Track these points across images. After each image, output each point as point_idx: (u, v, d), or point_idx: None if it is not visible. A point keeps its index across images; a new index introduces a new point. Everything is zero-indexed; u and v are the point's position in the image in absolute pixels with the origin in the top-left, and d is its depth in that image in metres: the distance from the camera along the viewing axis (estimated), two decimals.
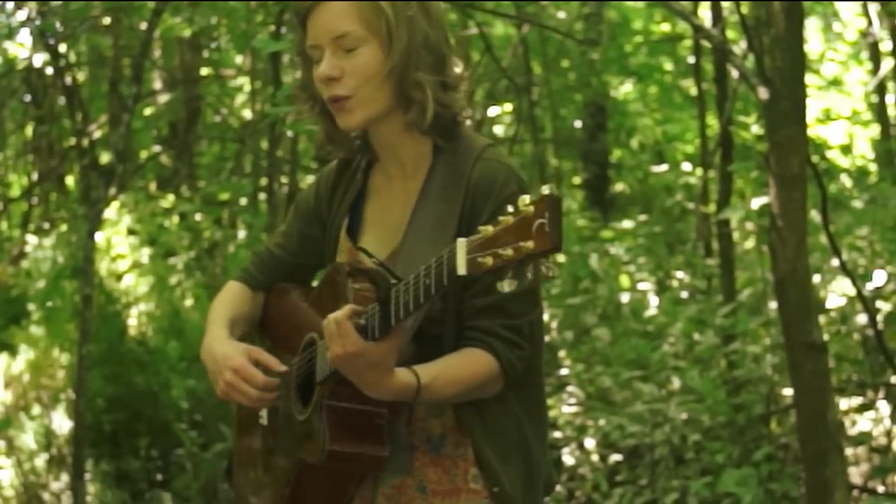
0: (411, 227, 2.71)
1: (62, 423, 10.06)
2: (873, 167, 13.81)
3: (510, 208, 2.13)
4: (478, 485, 2.69)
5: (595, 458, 7.98)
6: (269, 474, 2.85)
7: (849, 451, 7.28)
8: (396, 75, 2.67)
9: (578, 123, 15.16)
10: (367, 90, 2.68)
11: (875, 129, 14.52)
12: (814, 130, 12.14)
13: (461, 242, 2.18)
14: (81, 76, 14.45)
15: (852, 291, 7.23)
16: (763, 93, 5.73)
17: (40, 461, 9.83)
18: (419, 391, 2.53)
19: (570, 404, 8.21)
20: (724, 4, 9.82)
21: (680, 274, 10.06)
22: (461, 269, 2.17)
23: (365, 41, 2.67)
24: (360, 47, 2.67)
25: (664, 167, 13.61)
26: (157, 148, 15.40)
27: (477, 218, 2.56)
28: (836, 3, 13.85)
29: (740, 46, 10.45)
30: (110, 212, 12.10)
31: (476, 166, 2.68)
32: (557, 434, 8.15)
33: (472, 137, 2.78)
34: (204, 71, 15.02)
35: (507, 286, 2.13)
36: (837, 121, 13.37)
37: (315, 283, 3.02)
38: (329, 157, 2.96)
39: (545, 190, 2.09)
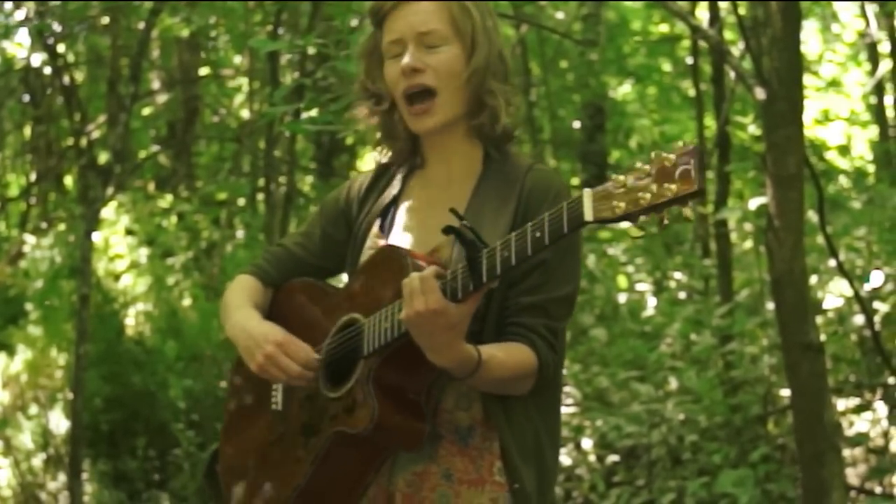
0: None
1: (59, 422, 10.06)
2: (871, 168, 13.81)
3: (639, 163, 2.27)
4: (502, 478, 2.76)
5: (592, 458, 7.98)
6: (284, 457, 2.86)
7: (846, 452, 7.28)
8: (477, 80, 2.82)
9: (577, 124, 15.17)
10: (447, 91, 2.81)
11: (873, 131, 14.52)
12: (812, 131, 12.14)
13: (587, 192, 2.30)
14: (80, 76, 14.45)
15: (850, 292, 7.23)
16: (760, 93, 5.73)
17: (37, 461, 9.83)
18: (479, 364, 2.60)
19: (568, 405, 8.21)
20: (722, 5, 9.81)
21: (677, 274, 10.07)
22: (588, 216, 2.29)
23: (449, 41, 2.81)
24: (444, 46, 2.81)
25: None
26: (155, 148, 15.40)
27: (531, 220, 2.54)
28: (834, 4, 13.84)
29: (738, 47, 10.44)
30: (108, 212, 12.10)
31: (529, 175, 2.82)
32: None
33: (518, 154, 2.93)
34: (202, 71, 15.02)
35: (635, 231, 2.28)
36: (836, 122, 13.38)
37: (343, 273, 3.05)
38: (384, 157, 3.02)
39: (681, 144, 2.22)
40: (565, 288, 2.77)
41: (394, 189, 2.96)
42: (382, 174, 3.02)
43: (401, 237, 2.88)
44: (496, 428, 2.75)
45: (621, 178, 2.27)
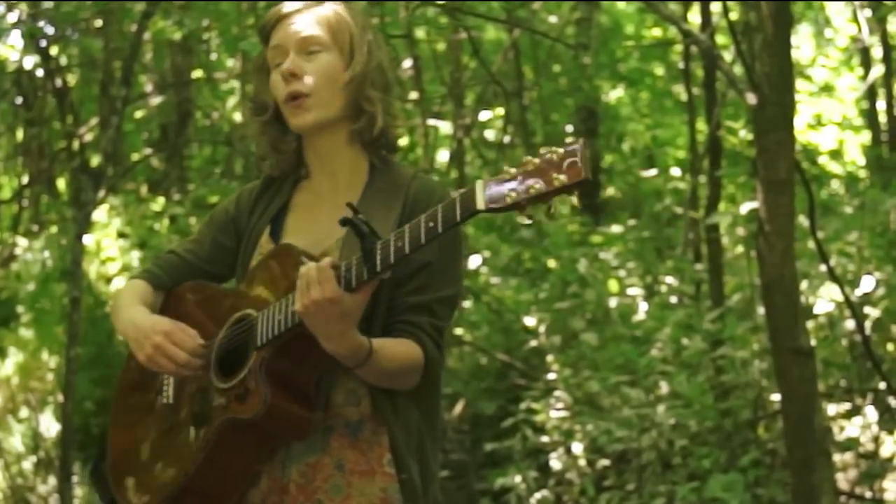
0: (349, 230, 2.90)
1: (50, 425, 10.06)
2: (864, 173, 13.81)
3: (527, 158, 2.45)
4: (391, 469, 2.90)
5: (582, 462, 7.98)
6: (174, 447, 2.96)
7: (836, 457, 7.29)
8: (354, 87, 2.99)
9: (570, 128, 15.14)
10: (324, 93, 2.97)
11: (866, 135, 14.52)
12: (805, 136, 12.14)
13: (479, 182, 2.48)
14: (72, 79, 14.43)
15: (840, 297, 7.23)
16: (751, 98, 5.74)
17: (28, 464, 9.82)
18: (370, 353, 2.75)
19: (558, 409, 8.21)
20: (714, 9, 9.81)
21: (668, 279, 10.05)
22: (480, 205, 2.46)
23: (328, 48, 2.99)
24: (323, 53, 2.99)
25: (654, 172, 13.60)
26: (147, 151, 15.38)
27: None
28: (827, 9, 13.85)
29: (730, 51, 10.44)
30: (100, 214, 12.09)
31: (414, 182, 3.01)
32: (545, 439, 8.15)
33: (402, 166, 3.13)
34: (195, 74, 15.00)
35: (524, 220, 2.46)
36: (828, 126, 13.37)
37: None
38: (269, 169, 3.16)
39: (570, 140, 2.42)
40: (449, 289, 2.95)
41: (281, 198, 3.11)
42: (270, 185, 3.16)
43: (293, 242, 2.98)
44: (384, 422, 2.90)
45: (512, 170, 2.46)
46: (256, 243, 3.06)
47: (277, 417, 2.76)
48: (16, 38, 11.50)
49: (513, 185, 2.44)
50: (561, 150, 2.42)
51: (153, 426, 3.05)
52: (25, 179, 15.19)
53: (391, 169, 3.06)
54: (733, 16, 7.10)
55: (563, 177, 2.40)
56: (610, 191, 15.73)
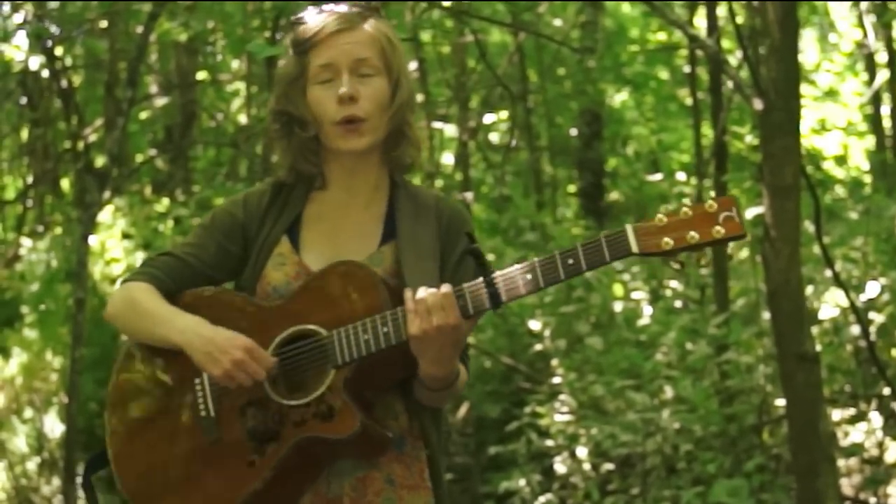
0: (403, 245, 2.95)
1: (54, 426, 10.06)
2: (868, 178, 13.81)
3: (670, 208, 2.61)
4: (429, 483, 2.94)
5: (587, 466, 7.97)
6: (228, 462, 2.87)
7: (841, 463, 7.28)
8: (401, 112, 2.98)
9: (574, 131, 15.16)
10: (376, 118, 2.94)
11: (870, 141, 14.53)
12: (809, 141, 12.14)
13: (629, 226, 2.61)
14: (77, 79, 14.44)
15: (845, 302, 7.23)
16: (757, 103, 5.73)
17: (32, 465, 9.83)
18: (457, 378, 2.85)
19: (563, 413, 8.21)
20: (720, 14, 9.81)
21: (673, 283, 10.05)
22: (634, 248, 2.60)
23: (379, 73, 2.95)
24: (376, 77, 2.94)
25: (658, 176, 13.61)
26: (152, 152, 15.39)
27: (452, 244, 2.97)
28: (832, 14, 13.85)
29: (736, 56, 10.44)
30: (105, 215, 12.10)
31: (441, 203, 3.05)
32: (549, 442, 8.15)
33: (414, 184, 3.13)
34: (200, 75, 15.02)
35: (675, 265, 2.67)
36: (833, 131, 13.37)
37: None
38: (283, 176, 3.08)
39: (713, 195, 2.46)
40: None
41: (295, 207, 3.05)
42: (279, 192, 3.08)
43: (316, 254, 2.97)
44: (421, 437, 2.94)
45: (663, 217, 2.60)
46: (271, 252, 2.99)
47: (367, 437, 2.77)
48: (21, 38, 11.52)
49: (669, 232, 2.58)
50: (716, 204, 2.58)
51: (188, 440, 2.93)
52: (30, 180, 15.22)
53: (408, 186, 3.07)
54: (739, 20, 7.11)
55: (721, 229, 2.56)
56: (614, 194, 15.74)
